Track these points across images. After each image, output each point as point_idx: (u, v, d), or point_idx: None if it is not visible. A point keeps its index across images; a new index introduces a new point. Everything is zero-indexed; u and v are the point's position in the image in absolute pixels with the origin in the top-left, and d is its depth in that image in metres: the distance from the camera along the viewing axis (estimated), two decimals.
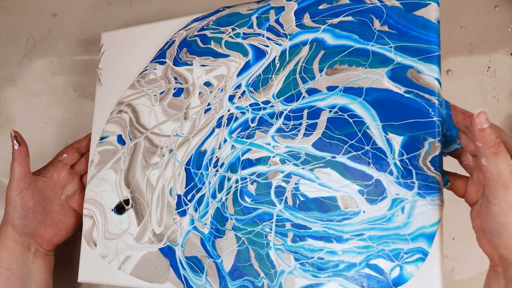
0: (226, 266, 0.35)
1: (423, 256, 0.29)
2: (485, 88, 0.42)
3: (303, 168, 0.34)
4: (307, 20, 0.37)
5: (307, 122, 0.34)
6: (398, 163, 0.30)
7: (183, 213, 0.38)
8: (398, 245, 0.30)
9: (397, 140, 0.31)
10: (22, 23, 0.54)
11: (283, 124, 0.35)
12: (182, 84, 0.41)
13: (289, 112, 0.35)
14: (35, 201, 0.39)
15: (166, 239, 0.38)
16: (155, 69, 0.42)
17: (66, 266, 0.47)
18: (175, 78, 0.41)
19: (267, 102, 0.37)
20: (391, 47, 0.32)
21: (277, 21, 0.38)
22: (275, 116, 0.36)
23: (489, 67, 0.43)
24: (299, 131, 0.35)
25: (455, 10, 0.44)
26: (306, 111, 0.35)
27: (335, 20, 0.35)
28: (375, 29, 0.33)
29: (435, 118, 0.30)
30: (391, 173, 0.31)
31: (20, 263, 0.39)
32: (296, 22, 0.37)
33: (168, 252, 0.37)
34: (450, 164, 0.32)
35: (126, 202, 0.40)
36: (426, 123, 0.30)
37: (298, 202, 0.33)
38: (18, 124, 0.53)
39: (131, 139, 0.42)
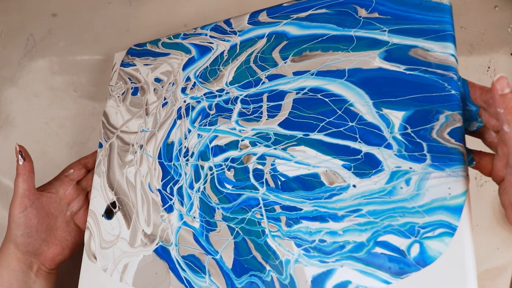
0: (227, 262, 0.32)
1: (450, 230, 0.26)
2: None
3: (275, 148, 0.33)
4: (263, 17, 0.36)
5: (267, 105, 0.34)
6: (399, 137, 0.29)
7: (170, 209, 0.36)
8: (408, 219, 0.27)
9: (396, 115, 0.29)
10: (22, 23, 0.54)
11: (243, 108, 0.35)
12: (136, 83, 0.42)
13: (245, 97, 0.35)
14: (39, 218, 0.38)
15: (158, 239, 0.36)
16: (115, 71, 0.44)
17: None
18: (129, 79, 0.43)
19: (221, 90, 0.36)
20: (383, 30, 0.31)
21: (226, 21, 0.39)
22: (230, 102, 0.36)
23: (489, 67, 0.43)
24: (261, 113, 0.34)
25: (455, 10, 0.44)
26: (266, 95, 0.34)
27: (303, 14, 0.35)
28: (360, 16, 0.32)
29: (453, 92, 0.28)
30: (388, 146, 0.29)
31: (21, 282, 0.37)
32: (248, 20, 0.37)
33: (163, 253, 0.35)
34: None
35: (113, 205, 0.39)
36: (442, 97, 0.29)
37: (280, 183, 0.32)
38: (18, 124, 0.51)
39: (106, 141, 0.42)
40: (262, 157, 0.33)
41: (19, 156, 0.37)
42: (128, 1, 0.52)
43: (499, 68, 0.42)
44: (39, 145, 0.51)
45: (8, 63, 0.53)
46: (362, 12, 0.33)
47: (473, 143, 0.30)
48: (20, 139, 0.51)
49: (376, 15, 0.32)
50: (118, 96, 0.43)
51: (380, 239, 0.28)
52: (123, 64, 0.44)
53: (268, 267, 0.31)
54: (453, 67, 0.29)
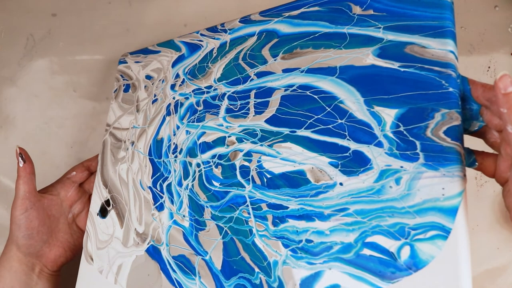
0: (217, 263, 0.31)
1: (443, 233, 0.24)
2: None
3: (261, 145, 0.32)
4: (254, 16, 0.36)
5: (255, 101, 0.33)
6: (391, 135, 0.28)
7: (160, 207, 0.35)
8: (398, 220, 0.26)
9: (388, 113, 0.28)
10: (22, 23, 0.53)
11: (230, 104, 0.34)
12: (128, 80, 0.42)
13: (232, 93, 0.34)
14: (40, 220, 0.37)
15: (150, 238, 0.35)
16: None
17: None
18: (122, 76, 0.43)
19: (209, 87, 0.36)
20: (378, 27, 0.30)
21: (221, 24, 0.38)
22: (217, 98, 0.35)
23: (489, 67, 0.43)
24: (248, 109, 0.33)
25: (455, 10, 0.44)
26: (253, 91, 0.34)
27: (295, 12, 0.34)
28: (354, 14, 0.31)
29: (451, 89, 0.27)
30: (379, 145, 0.28)
31: (23, 284, 0.37)
32: (240, 19, 0.36)
33: (154, 253, 0.34)
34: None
35: (107, 203, 0.38)
36: (438, 95, 0.27)
37: (265, 180, 0.31)
38: (18, 124, 0.51)
39: None
40: (248, 154, 0.32)
41: (20, 158, 0.36)
42: (128, 1, 0.52)
43: (499, 68, 0.42)
44: (39, 145, 0.51)
45: (8, 63, 0.53)
46: (357, 10, 0.32)
47: (475, 143, 0.29)
48: (20, 139, 0.51)
49: (371, 12, 0.31)
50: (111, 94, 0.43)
51: (368, 240, 0.26)
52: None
53: (256, 269, 0.30)
54: (451, 64, 0.28)
